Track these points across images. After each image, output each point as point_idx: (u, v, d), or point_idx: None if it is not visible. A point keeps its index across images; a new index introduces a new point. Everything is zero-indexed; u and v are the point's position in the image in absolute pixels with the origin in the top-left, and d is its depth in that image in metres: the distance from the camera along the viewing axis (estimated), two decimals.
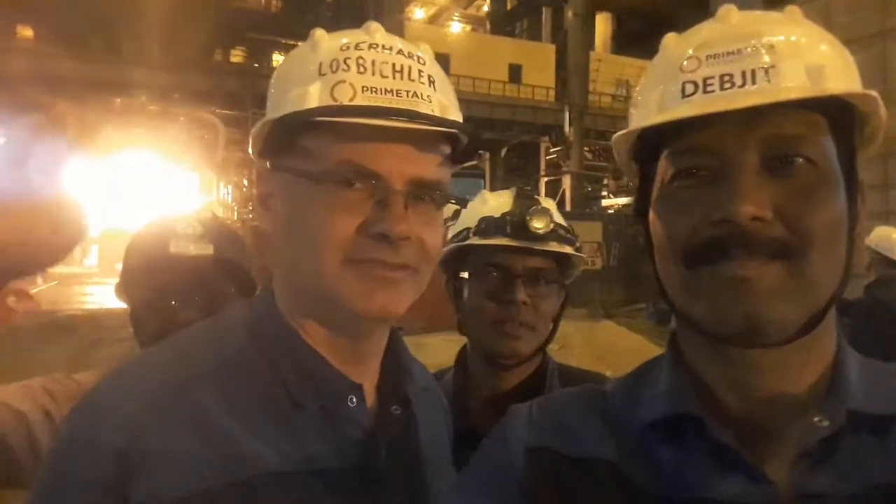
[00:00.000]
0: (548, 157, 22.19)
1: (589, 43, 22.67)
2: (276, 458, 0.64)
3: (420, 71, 0.67)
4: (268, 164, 0.71)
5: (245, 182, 21.74)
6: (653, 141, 0.61)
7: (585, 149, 21.05)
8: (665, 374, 0.64)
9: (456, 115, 0.69)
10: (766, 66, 0.54)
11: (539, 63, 24.80)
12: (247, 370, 0.67)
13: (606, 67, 23.88)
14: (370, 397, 0.73)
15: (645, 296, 13.57)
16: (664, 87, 0.59)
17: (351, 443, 0.68)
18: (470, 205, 1.24)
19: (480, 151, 21.65)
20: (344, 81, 0.64)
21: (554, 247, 1.17)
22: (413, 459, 0.75)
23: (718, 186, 0.55)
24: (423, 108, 0.65)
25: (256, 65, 21.90)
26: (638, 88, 0.64)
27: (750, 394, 0.59)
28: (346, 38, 0.68)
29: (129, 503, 0.59)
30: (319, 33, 0.69)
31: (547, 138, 21.73)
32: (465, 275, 1.21)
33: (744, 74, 0.55)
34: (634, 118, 0.63)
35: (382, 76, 0.65)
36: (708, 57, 0.57)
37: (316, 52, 0.67)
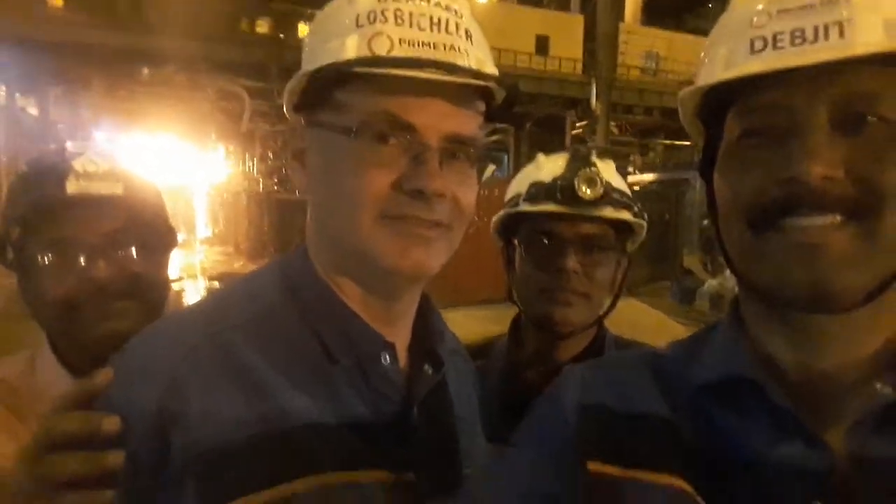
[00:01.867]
0: (573, 132, 21.90)
1: (619, 14, 22.17)
2: (313, 410, 0.65)
3: (457, 24, 0.67)
4: (302, 119, 0.71)
5: (270, 154, 21.81)
6: (719, 99, 0.59)
7: (612, 123, 20.73)
8: (723, 337, 0.64)
9: (491, 69, 0.69)
10: (840, 21, 0.52)
11: (567, 34, 24.35)
12: (282, 324, 0.68)
13: (636, 40, 23.37)
14: (402, 357, 0.74)
15: (669, 274, 13.48)
16: (732, 43, 0.57)
17: (384, 399, 0.69)
18: (523, 169, 1.22)
19: (505, 126, 21.44)
20: (381, 33, 0.64)
21: (607, 213, 1.12)
22: (444, 418, 0.76)
23: (787, 145, 0.54)
24: (461, 62, 0.65)
25: (282, 35, 21.84)
26: (706, 45, 0.63)
27: (812, 359, 0.58)
28: None
29: (170, 451, 0.60)
30: None
31: (573, 112, 21.43)
32: (517, 242, 1.18)
33: (816, 29, 0.52)
34: (701, 75, 0.61)
35: (420, 28, 0.65)
36: (779, 11, 0.55)
37: (353, 4, 0.67)
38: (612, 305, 1.20)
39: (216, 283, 15.00)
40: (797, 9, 0.54)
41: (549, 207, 1.11)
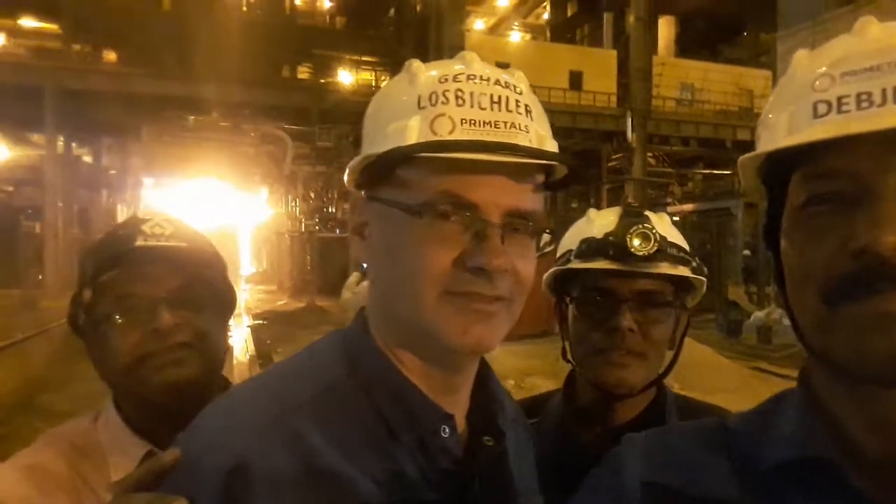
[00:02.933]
0: (610, 164, 21.86)
1: (651, 47, 22.26)
2: (375, 489, 0.65)
3: (517, 101, 0.68)
4: (363, 193, 0.72)
5: (311, 195, 22.27)
6: (783, 163, 0.57)
7: (648, 154, 20.64)
8: (795, 413, 0.60)
9: (552, 145, 0.70)
10: None
11: (600, 69, 24.49)
12: (344, 400, 0.68)
13: (670, 71, 23.36)
14: (461, 427, 0.73)
15: (714, 306, 13.17)
16: (794, 107, 0.55)
17: (445, 473, 0.69)
18: (575, 225, 1.20)
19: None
20: (444, 115, 0.65)
21: (663, 269, 1.07)
22: (505, 491, 0.75)
23: (856, 213, 0.51)
24: (521, 140, 0.66)
25: (323, 80, 22.53)
26: (766, 108, 0.61)
27: (892, 437, 0.54)
28: (443, 69, 0.69)
29: None
30: (417, 65, 0.70)
31: (609, 145, 21.43)
32: (569, 300, 1.15)
33: (884, 92, 0.50)
34: (762, 140, 0.59)
35: (481, 108, 0.65)
36: (843, 74, 0.53)
37: (414, 84, 0.68)
38: (672, 364, 1.15)
39: (260, 321, 15.26)
40: (863, 70, 0.52)
41: (602, 264, 1.08)
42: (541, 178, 0.71)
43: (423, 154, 0.64)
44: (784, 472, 0.57)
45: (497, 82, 0.68)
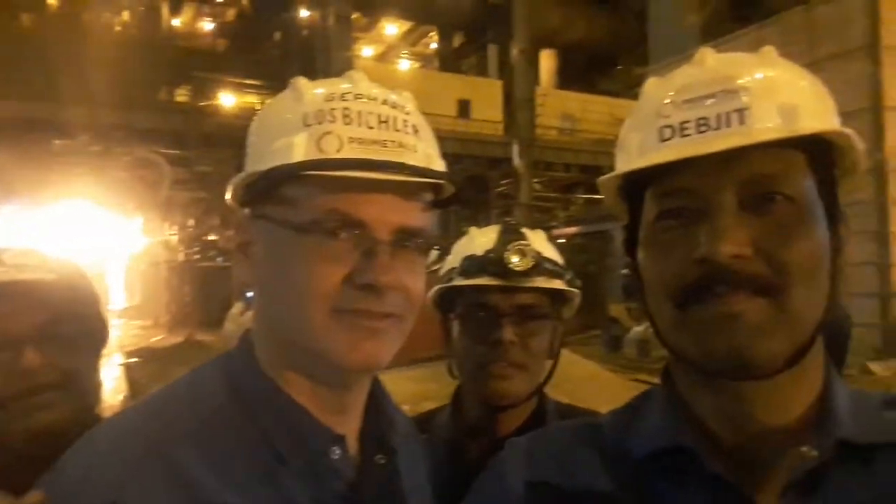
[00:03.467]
0: (498, 189, 22.47)
1: (534, 78, 23.25)
2: None
3: (405, 121, 0.68)
4: (248, 211, 0.70)
5: (191, 222, 21.25)
6: (637, 182, 0.63)
7: (535, 180, 21.41)
8: (659, 407, 0.66)
9: (440, 164, 0.70)
10: (739, 109, 0.56)
11: (487, 98, 25.28)
12: (228, 428, 0.66)
13: (552, 101, 24.49)
14: (353, 447, 0.73)
15: (598, 323, 13.77)
16: (644, 132, 0.61)
17: (335, 495, 0.68)
18: (457, 243, 1.23)
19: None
20: (331, 133, 0.64)
21: (540, 283, 1.13)
22: None
23: (699, 226, 0.57)
24: (409, 159, 0.66)
25: (202, 103, 21.67)
26: (622, 131, 0.66)
27: (741, 425, 0.60)
28: (330, 87, 0.68)
29: None
30: (303, 82, 0.69)
31: (496, 171, 22.04)
32: (453, 316, 1.19)
33: (718, 117, 0.56)
34: (618, 161, 0.65)
35: (369, 127, 0.65)
36: (685, 101, 0.58)
37: (300, 101, 0.67)
38: (551, 373, 1.20)
39: (134, 359, 14.24)
40: (700, 98, 0.58)
41: (482, 281, 1.12)
42: (429, 196, 0.71)
43: (310, 172, 0.62)
44: (651, 462, 0.62)
45: (385, 102, 0.68)
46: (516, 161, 20.26)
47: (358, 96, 0.67)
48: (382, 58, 33.06)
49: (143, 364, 13.66)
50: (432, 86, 24.58)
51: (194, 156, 18.19)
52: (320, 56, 21.45)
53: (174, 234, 22.32)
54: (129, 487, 0.59)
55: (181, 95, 23.65)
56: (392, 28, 32.48)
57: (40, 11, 21.12)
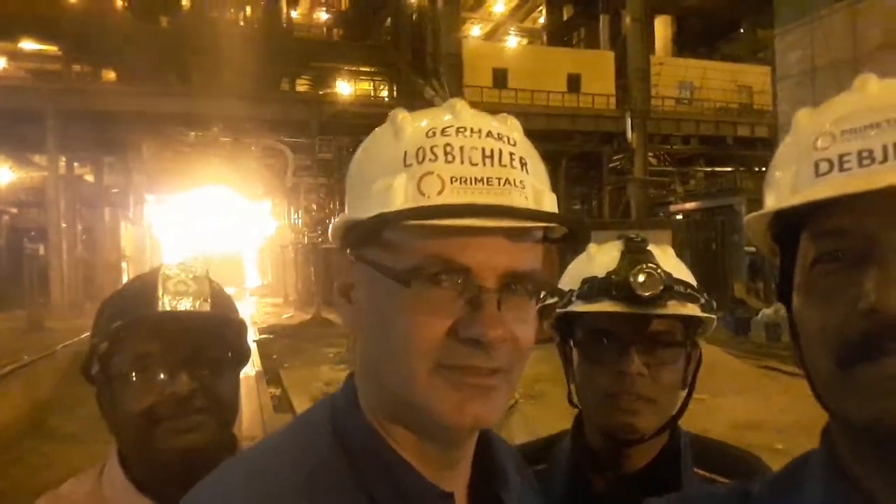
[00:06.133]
0: (611, 165, 21.84)
1: (649, 47, 22.29)
2: None
3: (511, 154, 0.62)
4: (349, 253, 0.67)
5: (314, 207, 22.29)
6: (792, 220, 0.56)
7: (649, 154, 20.62)
8: (819, 477, 0.58)
9: (550, 199, 0.65)
10: None
11: (598, 71, 24.51)
12: (331, 482, 0.64)
13: (668, 70, 23.36)
14: (462, 501, 0.69)
15: (721, 304, 13.01)
16: (797, 166, 0.55)
17: None
18: (575, 261, 1.13)
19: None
20: (432, 173, 0.59)
21: (670, 309, 1.01)
22: None
23: (865, 271, 0.50)
24: (517, 198, 0.61)
25: (321, 92, 22.60)
26: (771, 167, 0.60)
27: None
28: (431, 120, 0.64)
29: None
30: (402, 116, 0.64)
31: (609, 146, 21.42)
32: (573, 343, 1.09)
33: (885, 149, 0.50)
34: (768, 199, 0.59)
35: (472, 164, 0.60)
36: (843, 132, 0.52)
37: (399, 138, 0.63)
38: (685, 405, 1.09)
39: (267, 335, 15.20)
40: (863, 128, 0.51)
41: (606, 307, 1.01)
42: (539, 234, 0.66)
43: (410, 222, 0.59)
44: None
45: (489, 134, 0.63)
46: (630, 135, 19.60)
47: (460, 130, 0.62)
48: (490, 36, 32.87)
49: (275, 340, 14.62)
50: (541, 61, 24.16)
51: (316, 143, 18.99)
52: (430, 38, 21.62)
53: (299, 218, 23.41)
54: None
55: (301, 85, 24.77)
56: (500, 6, 32.21)
57: (175, 13, 22.79)
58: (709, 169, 22.54)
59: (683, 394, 1.09)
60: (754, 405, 7.18)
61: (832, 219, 0.52)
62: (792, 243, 0.58)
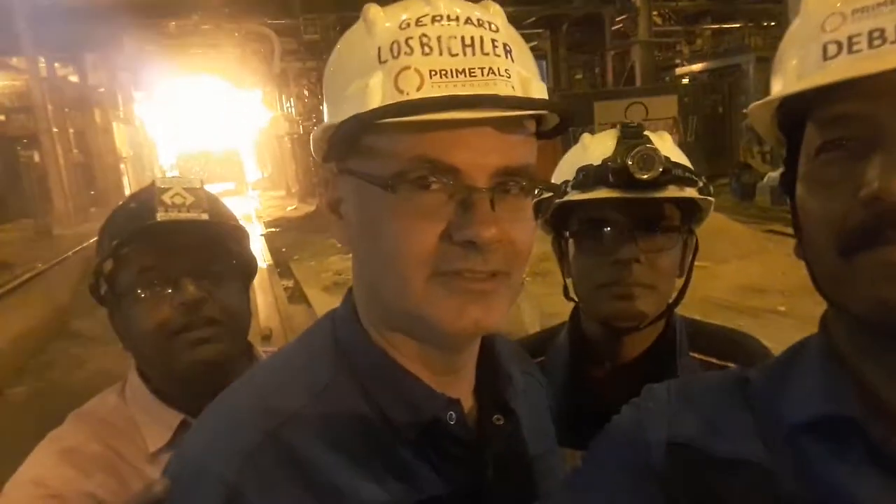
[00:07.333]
0: (614, 28, 20.87)
1: None
2: (381, 494, 0.62)
3: (494, 41, 0.58)
4: (334, 166, 0.64)
5: (305, 93, 21.69)
6: (797, 109, 0.54)
7: (654, 13, 19.60)
8: (816, 366, 0.58)
9: (538, 87, 0.60)
10: None
11: None
12: (339, 402, 0.64)
13: None
14: (468, 406, 0.69)
15: (726, 169, 12.93)
16: (804, 50, 0.52)
17: (455, 463, 0.65)
18: (569, 152, 1.10)
19: (540, 30, 20.54)
20: (409, 67, 0.56)
21: (669, 192, 0.99)
22: (520, 469, 0.72)
23: (870, 159, 0.48)
24: (503, 88, 0.57)
25: None
26: (779, 51, 0.57)
27: None
28: (404, 12, 0.59)
29: None
30: (374, 10, 0.60)
31: (612, 6, 20.35)
32: (568, 234, 1.07)
33: None
34: (775, 86, 0.57)
35: (452, 54, 0.56)
36: (854, 11, 0.49)
37: (372, 34, 0.59)
38: (682, 293, 1.09)
39: (273, 229, 15.30)
40: (875, 5, 0.48)
41: (602, 194, 0.99)
42: (530, 125, 0.62)
43: (389, 120, 0.55)
44: (807, 431, 0.55)
45: (468, 20, 0.58)
46: None
47: (436, 18, 0.57)
48: None
49: (281, 233, 14.74)
50: None
51: (300, 23, 18.17)
52: None
53: (292, 107, 22.97)
54: (245, 478, 0.58)
55: None
56: None
57: None
58: (716, 26, 21.52)
59: (680, 282, 1.09)
60: (758, 269, 7.25)
61: (838, 104, 0.50)
62: (798, 132, 0.55)
